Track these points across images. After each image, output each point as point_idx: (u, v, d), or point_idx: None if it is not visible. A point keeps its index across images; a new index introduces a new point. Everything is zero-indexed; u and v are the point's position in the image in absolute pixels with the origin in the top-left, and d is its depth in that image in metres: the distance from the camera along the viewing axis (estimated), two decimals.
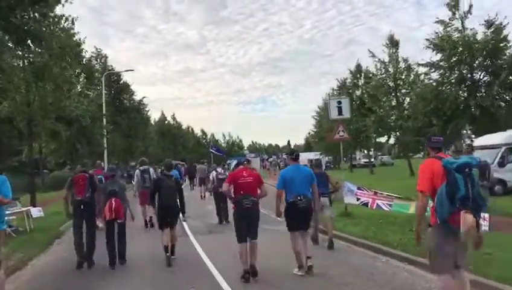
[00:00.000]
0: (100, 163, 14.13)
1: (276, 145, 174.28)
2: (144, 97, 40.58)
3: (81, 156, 34.78)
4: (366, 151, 62.98)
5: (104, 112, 27.28)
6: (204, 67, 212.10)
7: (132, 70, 38.88)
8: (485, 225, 8.01)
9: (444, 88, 25.84)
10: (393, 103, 34.89)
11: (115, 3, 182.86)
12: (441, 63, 25.83)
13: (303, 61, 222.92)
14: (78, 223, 8.38)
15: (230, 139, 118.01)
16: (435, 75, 26.38)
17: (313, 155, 68.38)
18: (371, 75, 42.72)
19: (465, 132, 25.86)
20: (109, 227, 8.35)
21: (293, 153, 7.77)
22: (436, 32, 25.45)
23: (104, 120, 27.39)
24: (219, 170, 14.73)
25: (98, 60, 33.87)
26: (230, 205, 9.70)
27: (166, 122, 69.66)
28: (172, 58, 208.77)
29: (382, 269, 7.65)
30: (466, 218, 4.16)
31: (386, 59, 34.96)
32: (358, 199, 12.74)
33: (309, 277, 7.11)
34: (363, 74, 43.87)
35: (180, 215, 9.24)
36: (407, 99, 33.79)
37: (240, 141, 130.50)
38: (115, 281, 7.59)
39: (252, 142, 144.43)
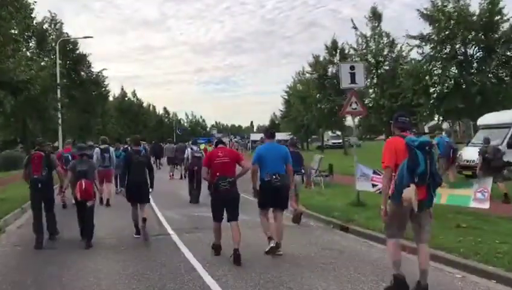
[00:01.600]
0: (70, 141, 14.26)
1: (239, 126, 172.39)
2: (104, 69, 36.96)
3: (33, 133, 31.48)
4: (336, 132, 61.46)
5: (58, 81, 23.84)
6: (164, 45, 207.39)
7: (91, 37, 35.09)
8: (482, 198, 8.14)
9: (435, 64, 24.10)
10: (374, 80, 32.89)
11: None
12: (432, 37, 24.01)
13: (265, 42, 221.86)
14: (36, 201, 8.32)
15: (193, 119, 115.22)
16: (425, 50, 24.51)
17: (284, 136, 66.86)
18: (347, 51, 40.93)
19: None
20: (79, 207, 8.27)
21: (267, 130, 7.76)
22: (432, 1, 23.47)
23: (59, 92, 23.97)
24: (194, 148, 14.30)
25: (52, 25, 29.97)
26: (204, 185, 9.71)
27: (126, 98, 65.49)
28: (130, 35, 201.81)
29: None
30: (408, 191, 4.55)
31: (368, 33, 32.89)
32: (374, 186, 10.52)
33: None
34: (338, 51, 41.64)
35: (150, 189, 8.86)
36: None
37: (203, 120, 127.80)
38: (86, 257, 7.40)
39: (216, 122, 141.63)
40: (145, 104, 73.59)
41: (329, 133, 64.95)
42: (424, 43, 24.40)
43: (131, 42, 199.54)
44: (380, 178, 10.24)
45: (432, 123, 66.26)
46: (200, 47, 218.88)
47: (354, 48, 33.50)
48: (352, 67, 10.99)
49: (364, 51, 33.08)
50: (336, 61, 41.63)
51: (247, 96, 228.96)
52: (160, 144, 32.16)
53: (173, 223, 9.97)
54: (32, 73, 15.90)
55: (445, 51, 23.89)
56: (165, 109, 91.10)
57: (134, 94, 68.31)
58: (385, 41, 32.51)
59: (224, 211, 6.94)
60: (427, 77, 24.37)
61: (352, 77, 10.83)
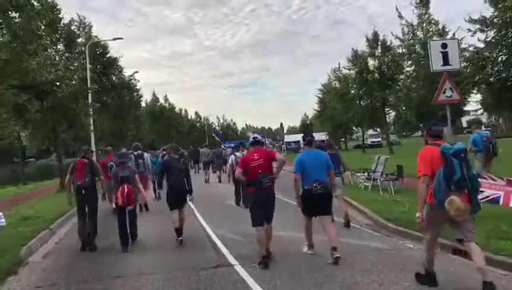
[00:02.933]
0: (111, 149, 14.27)
1: (269, 128, 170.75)
2: (136, 72, 35.00)
3: (64, 142, 30.33)
4: (377, 130, 58.69)
5: (89, 85, 22.36)
6: (191, 51, 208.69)
7: (121, 38, 33.16)
8: None
9: (498, 51, 21.49)
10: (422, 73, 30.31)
11: None
12: (496, 20, 21.41)
13: (291, 43, 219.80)
14: (81, 207, 8.63)
15: (224, 122, 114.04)
16: (488, 35, 21.88)
17: (320, 136, 64.54)
18: (389, 43, 38.46)
19: None
20: (121, 212, 8.46)
21: (305, 138, 7.56)
22: None
23: (90, 97, 22.51)
24: (238, 154, 14.08)
25: (81, 29, 28.70)
26: None
27: (158, 104, 64.35)
28: (159, 43, 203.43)
29: None
30: (453, 199, 4.68)
31: (415, 22, 30.40)
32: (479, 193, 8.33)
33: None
34: (380, 43, 39.12)
35: (188, 196, 9.06)
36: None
37: (234, 124, 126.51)
38: (127, 260, 7.67)
39: (246, 125, 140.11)
40: (176, 109, 72.42)
41: (368, 131, 62.34)
42: (486, 28, 21.76)
43: (159, 49, 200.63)
44: (487, 183, 8.22)
45: (469, 118, 63.23)
46: (227, 51, 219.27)
47: (399, 38, 30.91)
48: (444, 45, 8.83)
49: (411, 41, 30.61)
50: (377, 54, 39.19)
51: (275, 98, 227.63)
52: (198, 148, 30.91)
53: (232, 247, 8.03)
54: (59, 74, 14.36)
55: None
56: (196, 113, 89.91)
57: (166, 99, 67.20)
58: (434, 29, 29.94)
59: None
60: (489, 65, 21.86)
61: (445, 57, 8.69)
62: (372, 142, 61.99)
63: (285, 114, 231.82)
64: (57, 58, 17.53)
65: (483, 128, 12.99)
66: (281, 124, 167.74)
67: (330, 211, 7.17)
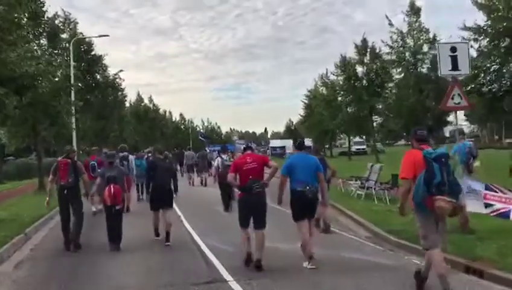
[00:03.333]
0: (95, 149, 14.57)
1: (253, 133, 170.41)
2: (121, 70, 33.74)
3: (45, 140, 29.31)
4: (363, 137, 58.58)
5: (72, 81, 21.50)
6: (177, 53, 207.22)
7: (107, 35, 32.23)
8: None
9: (493, 59, 21.36)
10: (411, 81, 30.13)
11: None
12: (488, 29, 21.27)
13: (277, 49, 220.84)
14: (64, 207, 8.62)
15: (209, 125, 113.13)
16: (482, 44, 21.74)
17: (309, 142, 64.17)
18: (378, 50, 38.26)
19: None
20: (109, 212, 8.41)
21: (296, 141, 8.08)
22: None
23: (73, 94, 21.64)
24: (224, 156, 14.12)
25: (66, 25, 27.75)
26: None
27: (142, 104, 63.17)
28: (144, 44, 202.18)
29: None
30: (439, 203, 4.80)
31: (405, 30, 30.23)
32: (488, 206, 7.91)
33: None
34: (369, 50, 38.88)
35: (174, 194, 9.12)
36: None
37: (218, 127, 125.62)
38: (110, 261, 7.65)
39: (230, 128, 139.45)
40: (161, 111, 71.30)
41: (353, 138, 62.27)
42: (479, 36, 21.60)
43: (145, 51, 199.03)
44: (500, 196, 7.76)
45: (452, 128, 63.74)
46: (213, 54, 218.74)
47: (389, 45, 30.66)
48: (453, 49, 8.36)
49: (401, 48, 30.43)
50: (366, 61, 38.98)
51: (260, 103, 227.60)
52: (183, 150, 30.49)
53: (224, 259, 7.40)
54: (40, 68, 13.54)
55: (504, 44, 21.18)
56: (181, 115, 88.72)
57: (150, 100, 65.89)
58: (425, 37, 29.81)
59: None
60: (481, 74, 21.75)
61: (454, 61, 8.23)
62: (357, 149, 61.95)
63: (269, 119, 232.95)
64: (39, 52, 16.63)
65: (465, 139, 12.95)
66: (265, 129, 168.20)
67: (314, 215, 7.26)
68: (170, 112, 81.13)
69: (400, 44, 30.34)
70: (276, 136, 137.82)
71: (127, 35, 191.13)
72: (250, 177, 6.76)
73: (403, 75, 30.51)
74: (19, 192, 20.82)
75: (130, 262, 7.70)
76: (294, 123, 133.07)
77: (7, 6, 10.12)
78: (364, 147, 65.81)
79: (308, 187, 6.76)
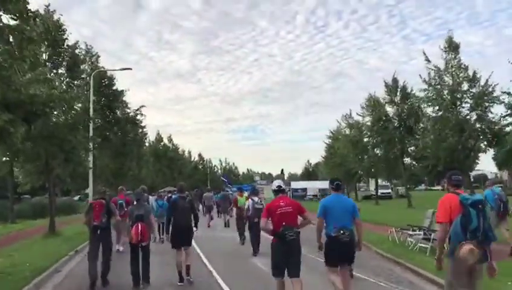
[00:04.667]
0: (122, 188, 14.49)
1: (270, 174, 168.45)
2: (142, 106, 32.18)
3: (59, 178, 27.75)
4: (388, 181, 56.19)
5: (91, 114, 19.99)
6: (195, 96, 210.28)
7: (130, 68, 31.03)
8: None
9: None
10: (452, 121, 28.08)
11: (108, 31, 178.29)
12: None
13: (292, 92, 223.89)
14: (94, 247, 8.73)
15: (227, 165, 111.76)
16: None
17: (325, 184, 61.87)
18: (409, 90, 36.63)
19: None
20: (134, 250, 8.52)
21: (333, 182, 7.00)
22: None
23: (91, 128, 20.11)
24: (255, 199, 13.55)
25: (88, 58, 26.71)
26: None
27: (162, 143, 61.97)
28: (163, 86, 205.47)
29: None
30: (463, 248, 4.78)
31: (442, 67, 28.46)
32: None
33: None
34: (399, 89, 37.25)
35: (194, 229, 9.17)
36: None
37: (236, 167, 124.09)
38: None
39: (247, 169, 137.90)
40: (180, 150, 70.05)
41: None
42: None
43: (163, 93, 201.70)
44: None
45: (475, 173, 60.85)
46: (230, 97, 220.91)
47: (426, 81, 28.83)
48: None
49: (439, 86, 28.57)
50: (396, 100, 37.25)
51: (275, 144, 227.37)
52: (202, 191, 28.93)
53: None
54: (54, 93, 11.92)
55: None
56: (200, 155, 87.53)
57: (170, 139, 64.79)
58: (464, 75, 27.95)
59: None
60: None
61: None
62: (381, 193, 59.30)
63: (285, 160, 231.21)
64: (57, 83, 15.14)
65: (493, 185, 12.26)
66: (282, 171, 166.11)
67: (353, 260, 6.84)
68: (189, 152, 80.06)
69: (437, 81, 28.48)
70: (293, 177, 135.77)
71: (146, 77, 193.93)
72: (284, 223, 6.43)
73: (440, 114, 28.44)
74: (28, 234, 18.97)
75: None
76: (312, 164, 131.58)
77: (19, 19, 8.61)
78: (389, 191, 63.21)
79: (342, 231, 6.47)
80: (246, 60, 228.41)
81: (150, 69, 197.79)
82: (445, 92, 28.17)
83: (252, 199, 13.46)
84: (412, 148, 36.26)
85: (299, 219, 6.74)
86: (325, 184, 64.58)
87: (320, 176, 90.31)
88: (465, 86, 27.78)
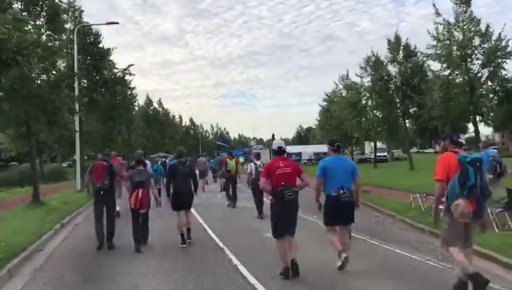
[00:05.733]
0: (115, 153, 14.05)
1: (261, 139, 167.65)
2: (131, 65, 29.68)
3: (46, 144, 26.00)
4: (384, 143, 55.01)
5: (76, 69, 18.01)
6: (182, 60, 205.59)
7: (117, 23, 27.65)
8: None
9: None
10: (460, 79, 26.48)
11: None
12: None
13: (282, 56, 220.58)
14: (98, 208, 8.92)
15: (218, 130, 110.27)
16: None
17: (320, 148, 60.57)
18: (413, 47, 34.89)
19: None
20: (134, 215, 8.71)
21: (333, 143, 7.08)
22: None
23: (77, 86, 18.20)
24: (258, 162, 13.86)
25: (70, 12, 24.38)
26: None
27: (152, 107, 59.75)
28: (149, 50, 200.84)
29: None
30: (459, 203, 5.03)
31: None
32: None
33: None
34: (402, 47, 35.43)
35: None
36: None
37: (227, 133, 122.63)
38: (135, 260, 7.82)
39: (239, 134, 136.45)
40: (170, 115, 67.88)
41: (372, 144, 58.74)
42: None
43: (150, 57, 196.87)
44: None
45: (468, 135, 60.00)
46: (218, 61, 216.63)
47: (434, 36, 26.95)
48: None
49: (448, 42, 26.76)
50: (399, 59, 35.47)
51: (265, 110, 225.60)
52: (199, 156, 27.54)
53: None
54: (27, 38, 10.01)
55: None
56: (191, 120, 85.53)
57: (160, 103, 62.53)
58: (475, 29, 26.12)
59: None
60: None
61: None
62: (378, 156, 58.29)
63: (275, 125, 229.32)
64: (32, 30, 13.08)
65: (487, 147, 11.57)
66: (273, 135, 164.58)
67: (353, 220, 6.87)
68: (180, 116, 78.09)
69: (446, 36, 26.65)
70: (285, 142, 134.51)
71: (132, 41, 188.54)
72: (282, 183, 6.44)
73: (448, 72, 26.76)
74: (9, 204, 17.32)
75: (154, 264, 7.54)
76: (304, 129, 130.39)
77: None
78: (385, 154, 62.25)
79: (342, 191, 6.56)
80: (235, 23, 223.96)
81: (136, 33, 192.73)
82: (454, 47, 26.44)
83: (255, 163, 13.74)
84: (415, 109, 34.69)
85: (298, 181, 6.68)
86: (319, 148, 63.57)
87: (314, 141, 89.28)
88: (476, 41, 26.02)
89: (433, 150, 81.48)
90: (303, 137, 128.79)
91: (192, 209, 9.65)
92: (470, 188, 5.01)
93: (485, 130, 72.83)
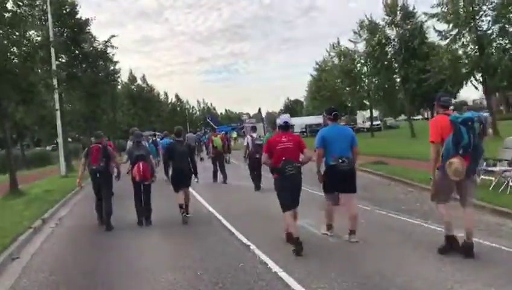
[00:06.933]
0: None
1: (247, 113, 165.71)
2: (113, 36, 27.53)
3: (26, 127, 23.95)
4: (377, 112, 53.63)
5: (51, 37, 15.90)
6: (163, 36, 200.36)
7: None
8: None
9: None
10: (468, 38, 24.87)
11: None
12: None
13: (264, 28, 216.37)
14: (96, 189, 9.07)
15: (204, 106, 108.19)
16: None
17: (312, 119, 59.02)
18: (411, 8, 33.19)
19: None
20: (137, 188, 8.95)
21: (331, 112, 6.90)
22: None
23: (53, 58, 16.09)
24: (254, 135, 13.80)
25: None
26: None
27: (135, 84, 57.15)
28: (129, 27, 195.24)
29: None
30: (453, 161, 5.18)
31: None
32: None
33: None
34: (399, 8, 33.62)
35: (193, 177, 9.28)
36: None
37: (214, 108, 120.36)
38: (137, 236, 7.90)
39: (226, 110, 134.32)
40: (155, 91, 65.30)
41: (364, 113, 57.39)
42: None
43: (129, 34, 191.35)
44: None
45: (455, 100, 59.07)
46: (200, 36, 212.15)
47: None
48: None
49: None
50: (397, 22, 33.68)
51: (249, 84, 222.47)
52: (190, 132, 26.43)
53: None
54: None
55: None
56: (177, 96, 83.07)
57: (144, 80, 59.83)
58: None
59: None
60: None
61: None
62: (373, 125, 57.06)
63: (261, 99, 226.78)
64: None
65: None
66: (259, 110, 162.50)
67: (355, 189, 6.74)
68: (166, 93, 75.62)
69: None
70: (272, 115, 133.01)
71: (110, 18, 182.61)
72: (284, 158, 6.29)
73: (456, 31, 25.12)
74: None
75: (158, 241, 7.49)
76: (291, 101, 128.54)
77: None
78: (378, 122, 60.91)
79: (341, 160, 6.46)
80: None
81: (114, 10, 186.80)
82: (461, 4, 24.73)
83: (251, 136, 13.70)
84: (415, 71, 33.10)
85: (301, 156, 6.53)
86: (311, 120, 62.12)
87: (303, 113, 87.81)
88: None
89: (421, 117, 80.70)
90: (291, 109, 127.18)
91: (190, 189, 9.47)
92: (465, 147, 5.17)
93: (475, 94, 71.87)
